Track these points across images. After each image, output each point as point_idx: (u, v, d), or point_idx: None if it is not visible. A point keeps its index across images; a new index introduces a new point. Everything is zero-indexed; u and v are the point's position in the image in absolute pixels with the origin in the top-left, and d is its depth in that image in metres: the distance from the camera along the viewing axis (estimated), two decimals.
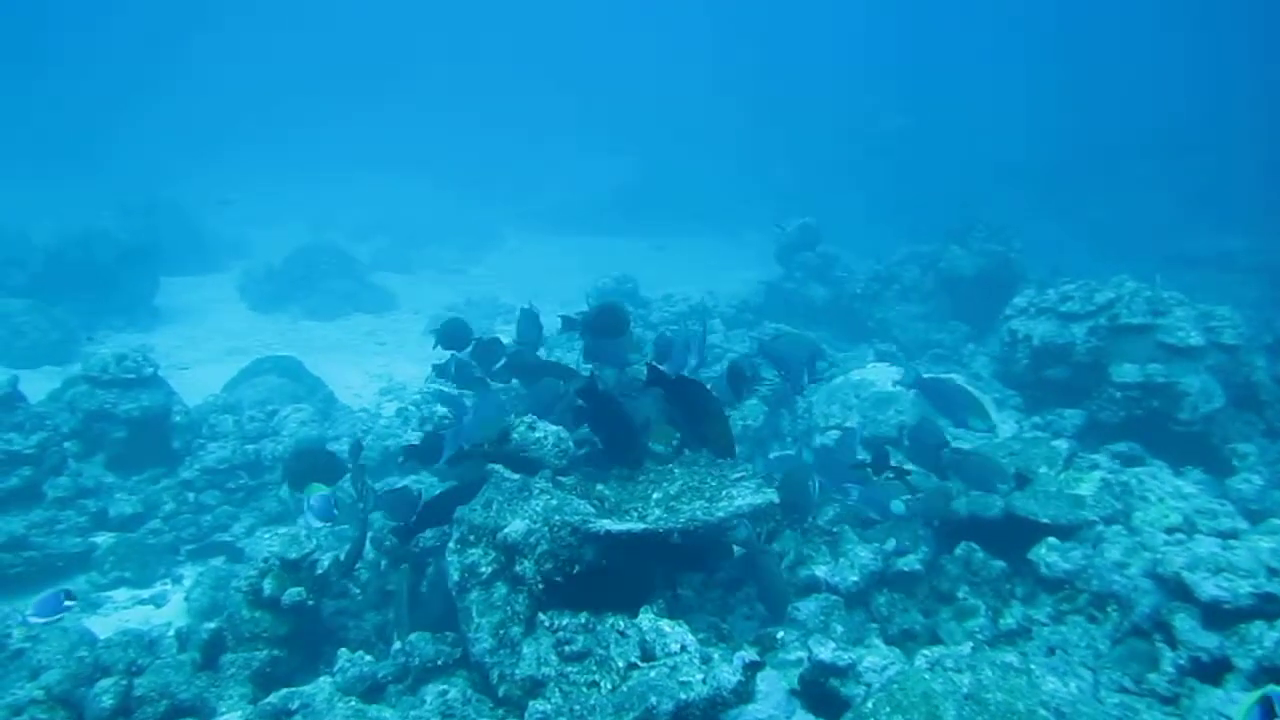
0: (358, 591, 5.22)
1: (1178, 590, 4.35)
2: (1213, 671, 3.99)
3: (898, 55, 36.04)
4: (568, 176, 26.78)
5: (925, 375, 5.85)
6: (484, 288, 17.67)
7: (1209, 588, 4.19)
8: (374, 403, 10.70)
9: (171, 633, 5.14)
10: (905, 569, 5.08)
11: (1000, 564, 5.12)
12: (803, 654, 4.10)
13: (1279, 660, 3.67)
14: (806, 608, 4.63)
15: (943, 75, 32.71)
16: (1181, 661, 4.09)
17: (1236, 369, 7.15)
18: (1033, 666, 3.45)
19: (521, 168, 28.00)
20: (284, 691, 3.81)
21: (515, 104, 34.58)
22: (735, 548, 4.98)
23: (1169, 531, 5.02)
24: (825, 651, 3.95)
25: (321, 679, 3.93)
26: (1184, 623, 4.20)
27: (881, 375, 7.51)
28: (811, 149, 24.50)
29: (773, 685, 3.83)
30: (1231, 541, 4.55)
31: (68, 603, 4.65)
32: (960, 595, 5.06)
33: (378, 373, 12.11)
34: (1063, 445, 5.69)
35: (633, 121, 29.98)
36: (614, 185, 25.33)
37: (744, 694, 3.53)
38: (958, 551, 5.17)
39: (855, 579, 4.93)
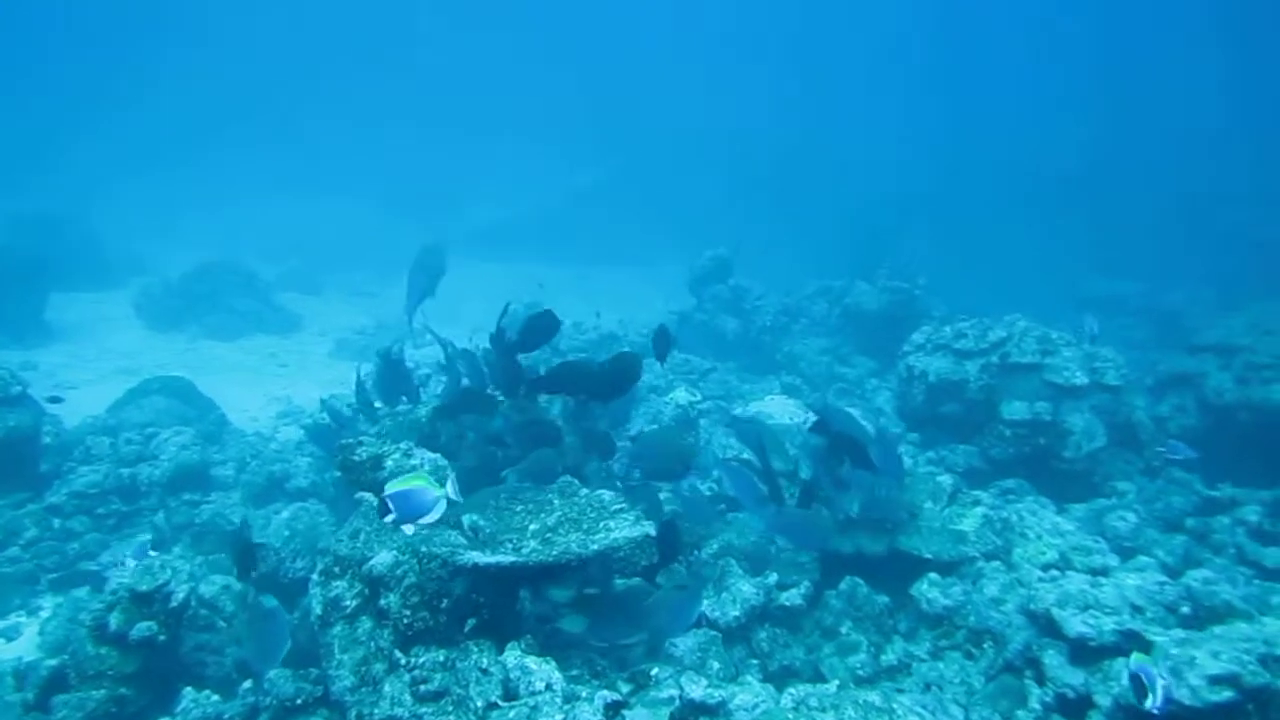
0: (223, 624, 4.95)
1: (1048, 627, 4.40)
2: (1077, 708, 4.03)
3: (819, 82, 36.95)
4: (492, 202, 26.55)
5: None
6: (396, 310, 17.30)
7: (1076, 624, 4.25)
8: (270, 426, 10.34)
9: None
10: (788, 603, 5.04)
11: (884, 599, 5.14)
12: (675, 691, 4.00)
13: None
14: (684, 643, 4.54)
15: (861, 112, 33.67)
16: (1048, 699, 4.13)
17: (1118, 409, 7.37)
18: (894, 706, 3.42)
19: (446, 193, 27.67)
20: None
21: (439, 130, 34.26)
22: (618, 580, 4.88)
23: (1045, 568, 5.11)
24: (697, 689, 3.86)
25: None
26: (1052, 659, 4.24)
27: (779, 408, 7.52)
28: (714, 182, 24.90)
29: None
30: (1100, 579, 4.64)
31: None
32: (844, 630, 5.05)
33: (277, 395, 11.73)
34: (947, 480, 5.75)
35: (567, 145, 29.95)
36: (540, 213, 25.20)
37: None
38: (842, 586, 5.16)
39: (736, 613, 4.87)
